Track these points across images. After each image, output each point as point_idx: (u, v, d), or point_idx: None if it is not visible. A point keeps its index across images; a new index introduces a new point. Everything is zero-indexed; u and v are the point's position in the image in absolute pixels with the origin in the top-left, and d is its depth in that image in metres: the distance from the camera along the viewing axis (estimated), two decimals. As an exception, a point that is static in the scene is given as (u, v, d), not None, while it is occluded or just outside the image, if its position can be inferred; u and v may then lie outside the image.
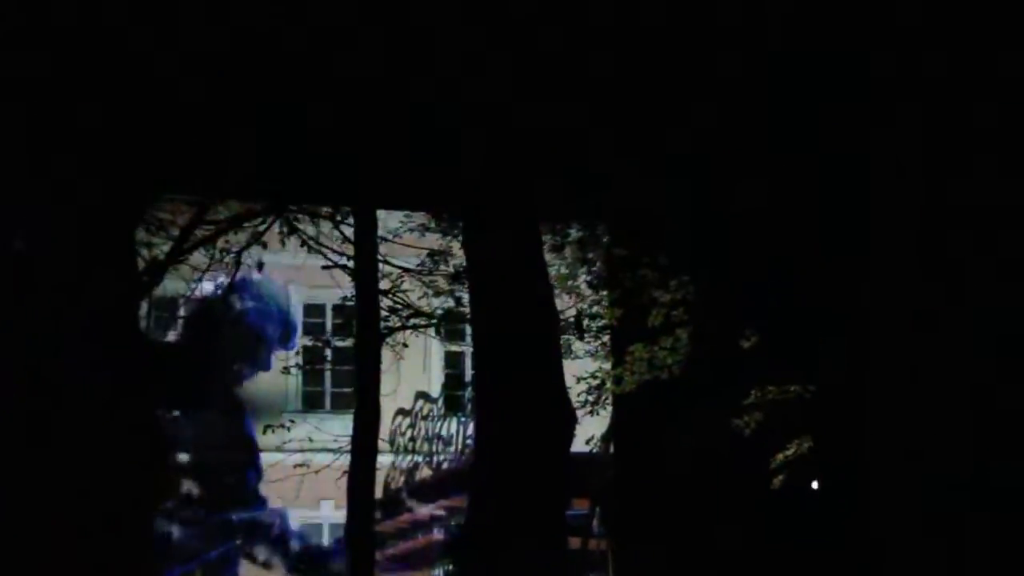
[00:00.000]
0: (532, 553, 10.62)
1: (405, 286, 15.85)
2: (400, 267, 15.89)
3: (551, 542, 10.85)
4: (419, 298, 16.19)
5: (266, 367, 20.31)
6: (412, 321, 15.52)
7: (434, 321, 15.97)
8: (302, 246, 16.40)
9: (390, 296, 15.31)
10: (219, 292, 18.48)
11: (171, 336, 20.13)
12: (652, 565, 17.99)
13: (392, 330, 15.02)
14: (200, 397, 20.49)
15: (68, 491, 10.13)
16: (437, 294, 16.31)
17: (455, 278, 15.91)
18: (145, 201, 14.62)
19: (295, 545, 21.08)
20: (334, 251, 15.62)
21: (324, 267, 15.43)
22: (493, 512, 10.71)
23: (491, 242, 11.09)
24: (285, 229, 16.60)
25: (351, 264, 13.96)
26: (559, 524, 11.01)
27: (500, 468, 10.71)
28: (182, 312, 19.95)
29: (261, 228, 16.63)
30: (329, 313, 20.46)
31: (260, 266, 17.23)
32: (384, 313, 14.73)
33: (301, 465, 17.19)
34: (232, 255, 17.02)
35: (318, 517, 21.07)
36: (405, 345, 15.95)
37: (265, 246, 16.83)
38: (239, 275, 19.70)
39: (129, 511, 10.33)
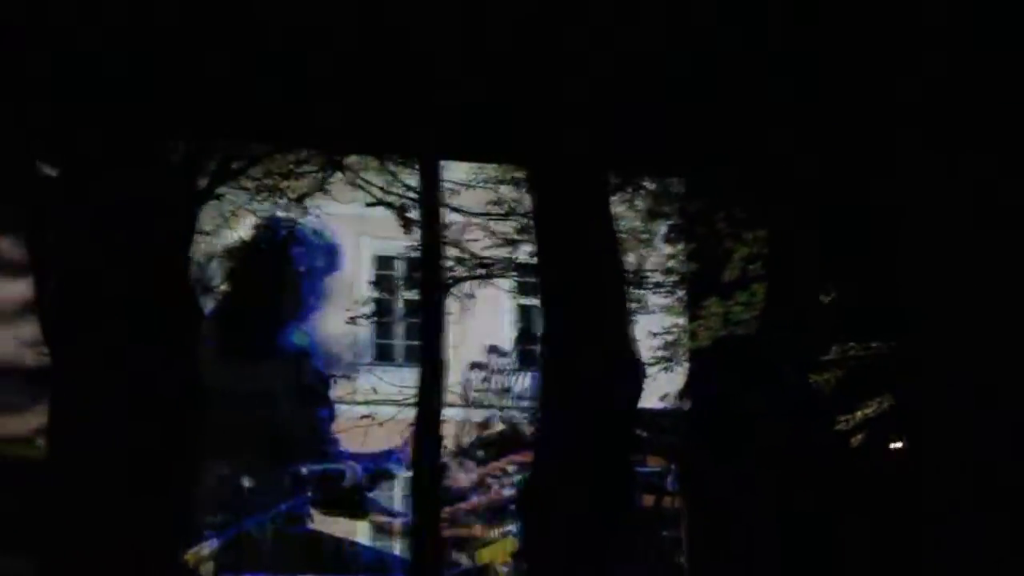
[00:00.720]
0: (598, 509, 10.34)
1: (471, 235, 15.57)
2: (466, 212, 15.58)
3: (619, 498, 10.57)
4: (485, 248, 15.90)
5: (333, 318, 20.14)
6: (478, 271, 15.19)
7: (500, 271, 15.65)
8: (368, 205, 16.17)
9: (456, 246, 15.05)
10: (283, 238, 18.38)
11: (234, 285, 20.02)
12: (726, 524, 17.71)
13: (457, 280, 14.72)
14: (269, 347, 20.39)
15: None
16: (505, 243, 16.00)
17: (522, 229, 15.62)
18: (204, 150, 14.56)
19: (366, 497, 20.98)
20: (405, 196, 15.35)
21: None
22: (557, 467, 10.43)
23: (557, 192, 10.78)
24: (346, 176, 16.39)
25: (412, 211, 13.69)
26: (627, 480, 10.72)
27: (565, 422, 10.43)
28: (246, 260, 19.82)
29: (324, 176, 16.46)
30: (399, 266, 20.27)
31: (316, 215, 17.00)
32: (449, 263, 14.46)
33: (367, 416, 16.98)
34: (296, 202, 16.86)
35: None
36: (472, 296, 15.66)
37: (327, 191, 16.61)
38: (305, 224, 19.61)
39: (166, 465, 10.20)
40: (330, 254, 20.48)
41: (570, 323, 10.63)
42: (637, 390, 10.71)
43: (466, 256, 15.27)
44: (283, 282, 20.35)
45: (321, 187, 16.19)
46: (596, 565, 10.54)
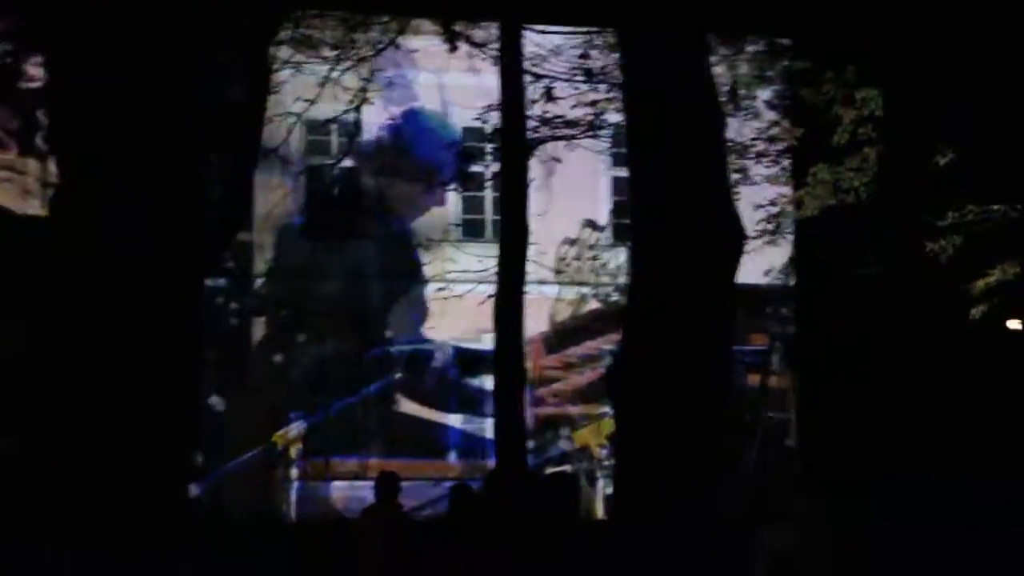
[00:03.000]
0: (695, 390, 9.48)
1: (557, 93, 14.63)
2: (550, 75, 14.66)
3: (716, 378, 9.69)
4: (572, 107, 14.94)
5: (417, 196, 19.47)
6: (563, 132, 14.25)
7: (586, 134, 14.69)
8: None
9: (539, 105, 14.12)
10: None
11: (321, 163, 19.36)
12: (838, 402, 16.96)
13: (540, 141, 13.77)
14: (354, 226, 19.76)
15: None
16: (592, 103, 15.04)
17: (611, 90, 14.63)
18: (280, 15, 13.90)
19: (455, 378, 20.41)
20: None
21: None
22: (649, 347, 9.57)
23: (652, 50, 9.80)
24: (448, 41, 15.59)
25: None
26: (726, 359, 9.83)
27: (658, 293, 9.54)
28: (335, 138, 19.15)
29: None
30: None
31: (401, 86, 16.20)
32: (533, 123, 13.54)
33: (442, 288, 16.21)
34: (384, 75, 16.14)
35: (481, 349, 20.37)
36: (558, 160, 14.75)
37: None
38: (396, 100, 18.86)
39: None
40: (418, 129, 19.76)
41: (663, 184, 9.71)
42: (738, 254, 9.77)
43: (550, 116, 14.29)
44: (369, 159, 19.67)
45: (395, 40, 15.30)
46: (693, 451, 9.71)
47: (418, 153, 19.32)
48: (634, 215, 10.24)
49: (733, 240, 9.77)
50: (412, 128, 19.54)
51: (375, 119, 18.99)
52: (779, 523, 10.77)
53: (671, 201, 9.72)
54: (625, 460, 10.24)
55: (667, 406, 9.73)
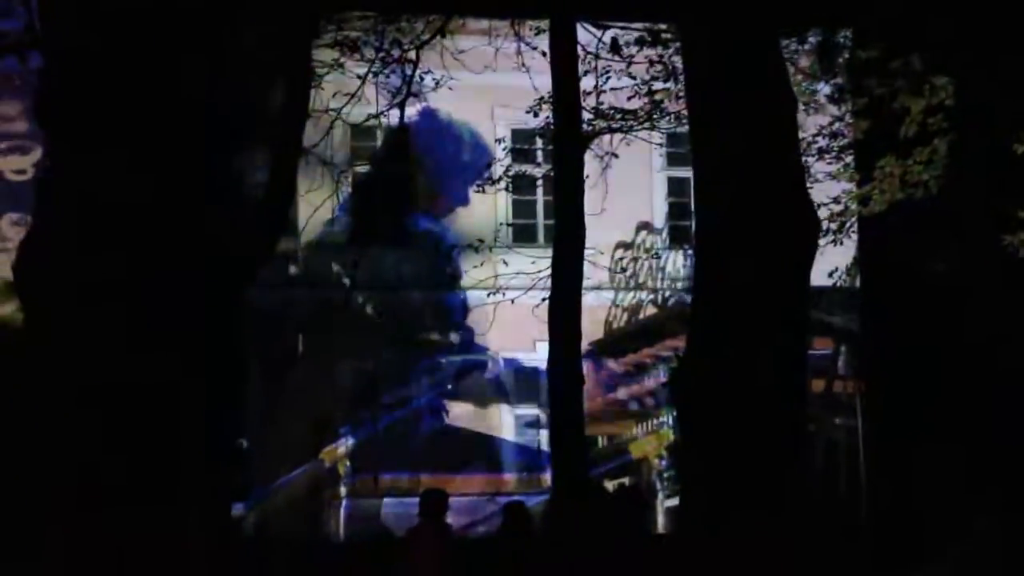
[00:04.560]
0: (767, 389, 8.82)
1: (611, 83, 14.01)
2: (605, 60, 14.05)
3: (790, 377, 9.02)
4: (629, 98, 14.33)
5: (463, 200, 18.89)
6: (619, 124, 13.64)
7: (642, 120, 14.05)
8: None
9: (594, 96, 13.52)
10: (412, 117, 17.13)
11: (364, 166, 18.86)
12: (906, 409, 16.26)
13: (596, 132, 13.15)
14: (399, 232, 19.25)
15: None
16: (649, 93, 14.40)
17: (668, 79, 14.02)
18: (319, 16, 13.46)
19: (509, 387, 19.88)
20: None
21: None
22: (715, 351, 8.91)
23: (717, 41, 9.19)
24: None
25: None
26: (800, 357, 9.15)
27: (726, 291, 8.89)
28: (377, 141, 18.66)
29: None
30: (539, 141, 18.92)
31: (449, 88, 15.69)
32: (588, 116, 12.93)
33: (494, 292, 15.60)
34: (427, 74, 15.62)
35: (534, 360, 19.85)
36: (615, 155, 14.13)
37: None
38: (432, 102, 18.35)
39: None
40: (462, 133, 19.25)
41: (731, 181, 9.06)
42: (813, 244, 9.10)
43: (606, 108, 13.70)
44: (413, 161, 19.16)
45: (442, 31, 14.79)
46: (762, 460, 9.06)
47: (462, 155, 18.82)
48: (699, 211, 9.61)
49: (808, 228, 9.10)
50: (456, 130, 19.05)
51: (420, 122, 18.49)
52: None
53: (740, 192, 9.07)
54: (691, 471, 9.61)
55: (737, 413, 9.08)
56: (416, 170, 18.90)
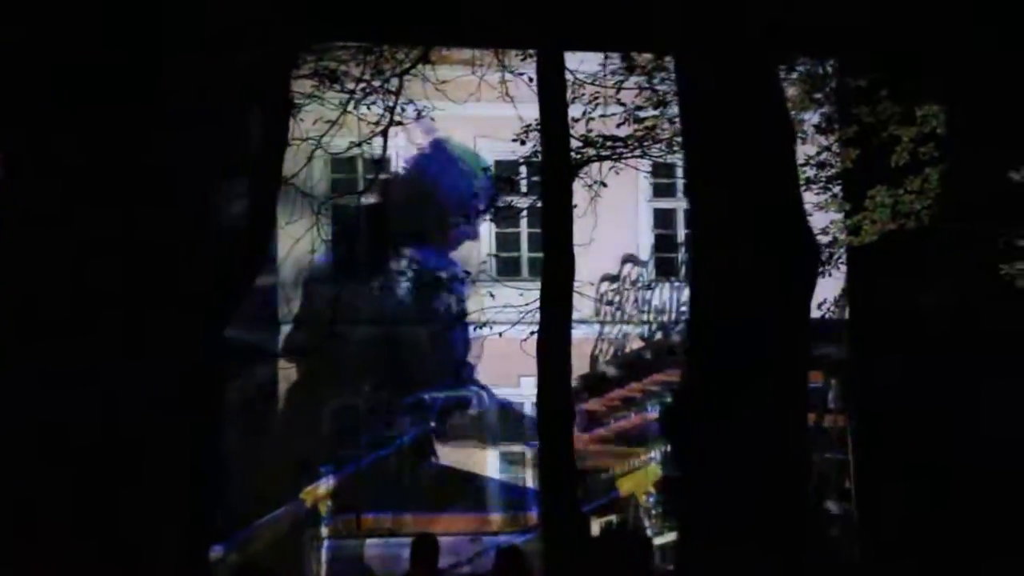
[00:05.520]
0: (767, 424, 8.53)
1: (599, 112, 13.79)
2: (593, 84, 13.83)
3: (789, 409, 8.74)
4: (618, 125, 14.12)
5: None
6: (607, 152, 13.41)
7: (632, 147, 13.84)
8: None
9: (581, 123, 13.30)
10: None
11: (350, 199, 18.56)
12: (899, 443, 16.03)
13: (585, 160, 12.91)
14: (383, 265, 18.98)
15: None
16: (638, 120, 14.19)
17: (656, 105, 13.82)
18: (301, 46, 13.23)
19: (495, 424, 19.59)
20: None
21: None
22: (716, 375, 8.62)
23: (712, 69, 8.95)
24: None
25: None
26: (801, 389, 8.86)
27: (724, 316, 8.60)
28: (360, 174, 18.38)
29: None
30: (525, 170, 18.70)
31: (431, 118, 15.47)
32: (576, 143, 12.69)
33: (480, 327, 15.30)
34: (411, 105, 15.35)
35: (519, 395, 19.54)
36: (604, 184, 13.89)
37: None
38: (425, 135, 18.11)
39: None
40: (450, 163, 18.98)
41: (728, 208, 8.79)
42: (813, 272, 8.83)
43: (594, 138, 13.49)
44: (397, 193, 18.89)
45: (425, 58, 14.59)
46: (762, 496, 8.77)
47: (447, 186, 18.55)
48: (695, 240, 9.36)
49: (808, 255, 8.84)
50: (440, 160, 18.77)
51: (402, 152, 18.22)
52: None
53: (737, 219, 8.81)
54: (688, 508, 9.31)
55: (736, 449, 8.79)
56: (399, 200, 18.65)
